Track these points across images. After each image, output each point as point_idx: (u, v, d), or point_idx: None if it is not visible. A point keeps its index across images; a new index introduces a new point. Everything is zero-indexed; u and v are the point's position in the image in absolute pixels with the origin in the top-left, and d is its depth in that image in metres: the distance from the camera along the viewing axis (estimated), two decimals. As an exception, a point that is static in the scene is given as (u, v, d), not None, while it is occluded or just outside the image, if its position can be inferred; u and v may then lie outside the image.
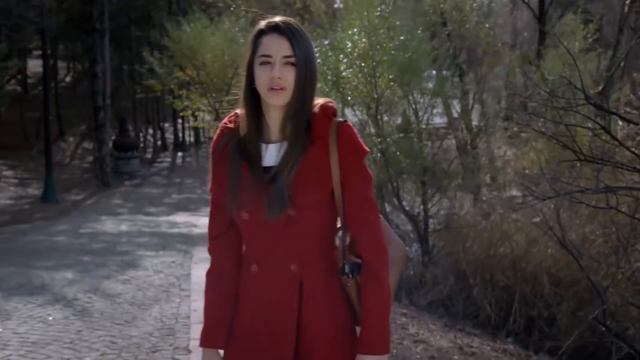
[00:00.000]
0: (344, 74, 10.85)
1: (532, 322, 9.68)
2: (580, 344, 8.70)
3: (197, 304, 6.41)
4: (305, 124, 1.96)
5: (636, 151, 5.57)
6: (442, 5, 12.97)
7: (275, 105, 1.94)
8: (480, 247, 11.62)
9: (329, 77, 11.09)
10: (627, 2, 5.32)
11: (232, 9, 19.11)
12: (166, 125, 34.60)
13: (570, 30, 13.94)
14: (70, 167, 25.31)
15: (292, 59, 1.90)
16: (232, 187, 1.98)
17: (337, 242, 2.05)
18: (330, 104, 2.00)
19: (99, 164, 22.12)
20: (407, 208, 12.04)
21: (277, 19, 1.95)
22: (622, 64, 20.28)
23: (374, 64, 10.56)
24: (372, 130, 11.42)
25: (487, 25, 14.54)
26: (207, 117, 20.50)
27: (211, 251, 2.14)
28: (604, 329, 5.53)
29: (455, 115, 15.59)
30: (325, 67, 10.92)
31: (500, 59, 17.01)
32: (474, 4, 13.55)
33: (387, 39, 10.41)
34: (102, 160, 21.92)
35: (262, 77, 1.90)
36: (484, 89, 15.88)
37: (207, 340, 2.11)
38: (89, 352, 4.99)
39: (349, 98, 11.19)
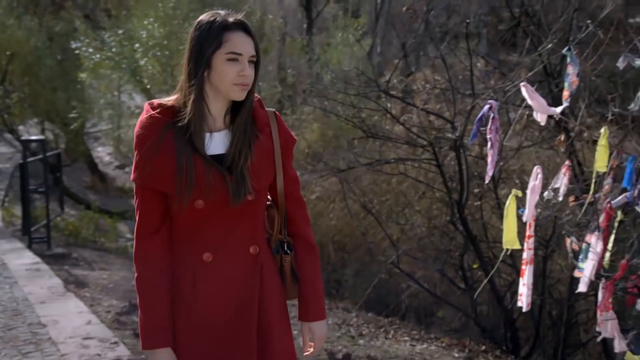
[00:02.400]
0: (141, 62, 11.13)
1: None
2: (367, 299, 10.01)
3: (30, 288, 6.67)
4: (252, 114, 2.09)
5: (413, 129, 6.80)
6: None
7: (233, 99, 2.03)
8: (271, 223, 12.66)
9: (124, 66, 11.36)
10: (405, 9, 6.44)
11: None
12: None
13: (344, 24, 15.39)
14: None
15: (254, 59, 2.01)
16: (185, 176, 1.95)
17: (267, 222, 2.20)
18: (258, 96, 2.12)
19: None
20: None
21: (239, 16, 2.01)
22: (378, 50, 22.49)
23: (170, 53, 11.01)
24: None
25: (270, 16, 15.48)
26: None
27: (147, 249, 2.05)
28: (399, 270, 6.74)
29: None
30: (120, 57, 11.17)
31: (274, 46, 18.13)
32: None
33: (181, 28, 10.87)
34: None
35: (230, 73, 1.96)
36: (261, 74, 16.82)
37: (161, 340, 2.03)
38: (-62, 338, 5.11)
39: (148, 87, 11.52)
